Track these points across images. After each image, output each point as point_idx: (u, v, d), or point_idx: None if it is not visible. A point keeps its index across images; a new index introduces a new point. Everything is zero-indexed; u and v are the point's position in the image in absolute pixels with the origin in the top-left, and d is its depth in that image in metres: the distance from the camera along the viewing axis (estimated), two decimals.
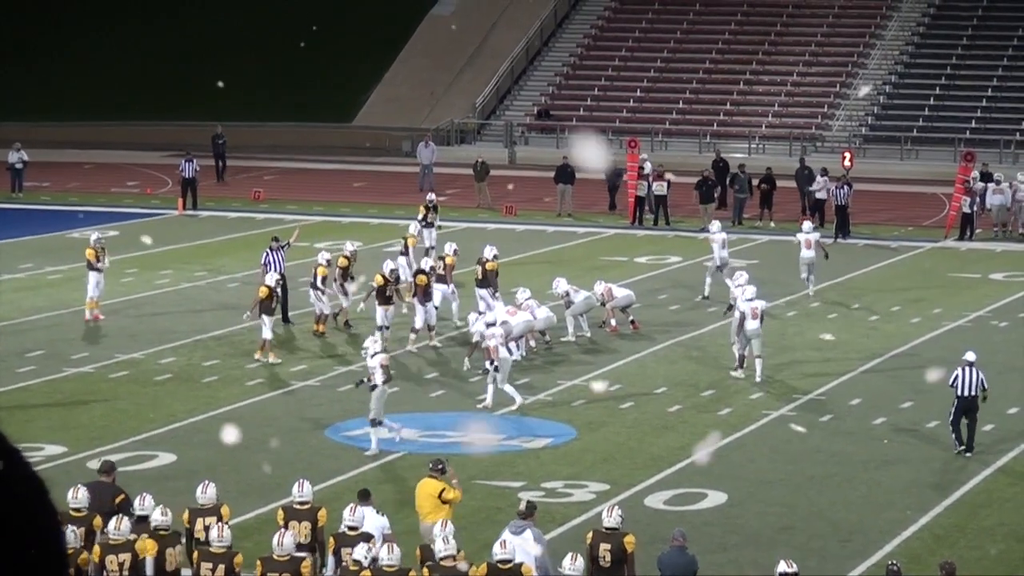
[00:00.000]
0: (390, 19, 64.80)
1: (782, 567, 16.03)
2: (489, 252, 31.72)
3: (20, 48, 64.84)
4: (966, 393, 23.50)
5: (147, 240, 40.20)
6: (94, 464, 21.81)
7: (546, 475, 22.67)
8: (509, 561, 15.85)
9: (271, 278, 29.72)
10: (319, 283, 30.90)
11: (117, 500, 17.44)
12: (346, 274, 31.53)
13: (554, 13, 63.79)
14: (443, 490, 18.39)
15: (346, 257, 31.72)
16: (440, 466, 18.76)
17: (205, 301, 34.45)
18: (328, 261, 31.34)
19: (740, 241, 42.38)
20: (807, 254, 34.84)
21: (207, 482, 17.65)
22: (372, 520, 17.30)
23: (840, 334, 31.62)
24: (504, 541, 16.13)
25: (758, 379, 27.72)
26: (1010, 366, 28.69)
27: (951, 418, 23.71)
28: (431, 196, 39.32)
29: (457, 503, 18.50)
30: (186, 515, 17.08)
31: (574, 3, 64.51)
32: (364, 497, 17.80)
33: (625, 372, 28.66)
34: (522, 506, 17.20)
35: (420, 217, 37.42)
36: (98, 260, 31.85)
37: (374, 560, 15.98)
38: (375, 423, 23.75)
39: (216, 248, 41.08)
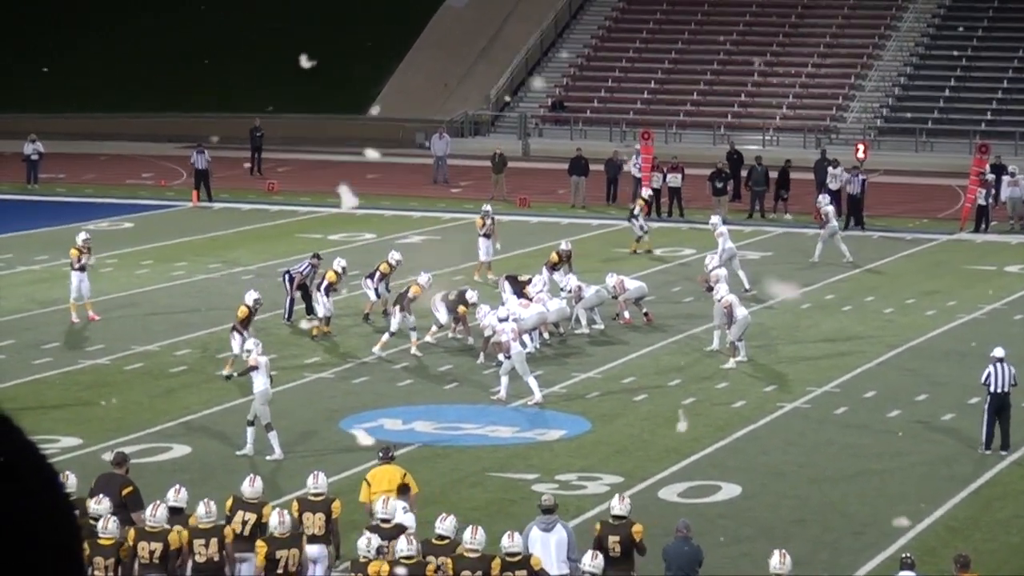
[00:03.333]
0: (404, 11, 64.79)
1: (775, 561, 16.10)
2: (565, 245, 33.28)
3: (35, 40, 64.93)
4: (1000, 390, 23.35)
5: None
6: (109, 456, 21.87)
7: (560, 467, 22.69)
8: (518, 553, 15.92)
9: (250, 297, 27.94)
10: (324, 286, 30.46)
11: (124, 492, 17.44)
12: (384, 279, 31.32)
13: (568, 5, 63.75)
14: (405, 474, 18.35)
15: (389, 264, 31.24)
16: (390, 452, 18.90)
17: (220, 293, 34.48)
18: (344, 268, 30.69)
19: (754, 233, 42.36)
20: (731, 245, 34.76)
21: (254, 476, 17.74)
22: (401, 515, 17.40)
23: (855, 327, 31.59)
24: (512, 533, 16.17)
25: (743, 358, 28.34)
26: None
27: (985, 416, 23.42)
28: (648, 191, 41.16)
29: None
30: (229, 502, 17.23)
31: None
32: (403, 491, 17.90)
33: (639, 364, 28.66)
34: (549, 501, 17.12)
35: (637, 211, 38.72)
36: (80, 259, 31.15)
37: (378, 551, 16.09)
38: (268, 428, 22.84)
39: (230, 240, 41.13)
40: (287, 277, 31.85)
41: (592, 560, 16.07)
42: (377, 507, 17.03)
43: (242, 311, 27.46)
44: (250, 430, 23.00)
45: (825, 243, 37.65)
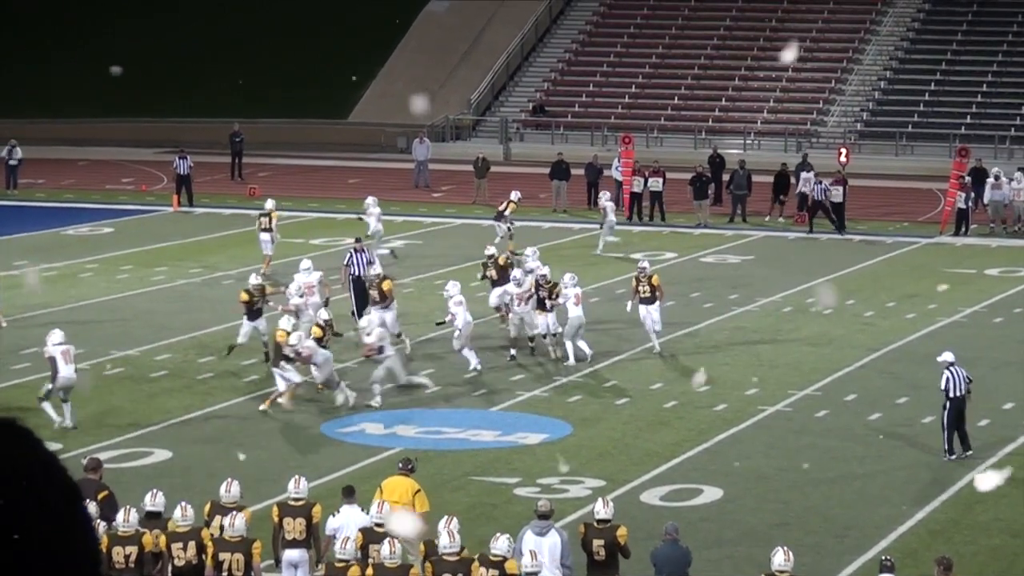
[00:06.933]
0: (386, 15, 64.74)
1: (779, 558, 16.08)
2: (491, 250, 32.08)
3: (15, 45, 64.77)
4: (958, 393, 23.32)
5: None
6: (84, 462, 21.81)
7: (542, 471, 22.68)
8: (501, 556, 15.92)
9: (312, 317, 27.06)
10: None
11: (100, 496, 17.40)
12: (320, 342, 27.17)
13: (549, 9, 63.77)
14: (418, 491, 18.25)
15: (320, 327, 26.97)
16: (411, 465, 18.70)
17: (200, 298, 34.42)
18: (327, 321, 27.24)
19: (735, 237, 42.38)
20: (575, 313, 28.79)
21: (231, 480, 17.67)
22: (357, 518, 17.28)
23: (835, 330, 31.64)
24: (499, 536, 16.16)
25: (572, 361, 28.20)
26: (1005, 361, 28.70)
27: (945, 423, 23.31)
28: (517, 193, 39.93)
29: (424, 512, 18.08)
30: (207, 507, 17.19)
31: None
32: (349, 494, 17.79)
33: (621, 368, 28.66)
34: (545, 506, 17.05)
35: (507, 212, 38.52)
36: None
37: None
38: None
39: (211, 245, 41.06)
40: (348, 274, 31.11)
41: (531, 561, 15.94)
42: (372, 511, 17.03)
43: (314, 331, 26.04)
44: (46, 404, 24.27)
45: (606, 237, 39.14)
